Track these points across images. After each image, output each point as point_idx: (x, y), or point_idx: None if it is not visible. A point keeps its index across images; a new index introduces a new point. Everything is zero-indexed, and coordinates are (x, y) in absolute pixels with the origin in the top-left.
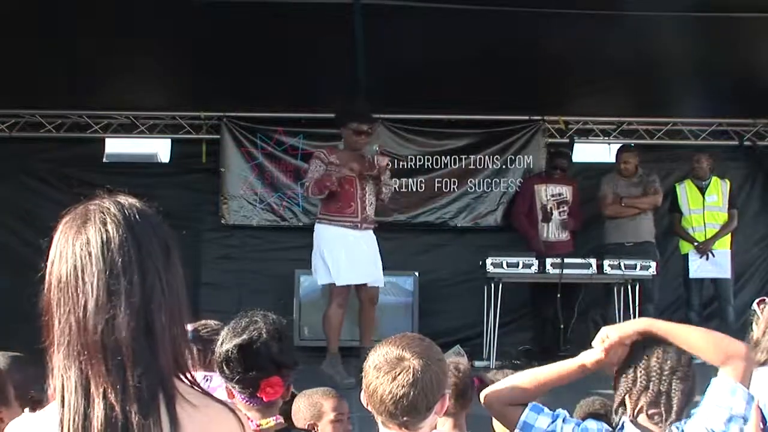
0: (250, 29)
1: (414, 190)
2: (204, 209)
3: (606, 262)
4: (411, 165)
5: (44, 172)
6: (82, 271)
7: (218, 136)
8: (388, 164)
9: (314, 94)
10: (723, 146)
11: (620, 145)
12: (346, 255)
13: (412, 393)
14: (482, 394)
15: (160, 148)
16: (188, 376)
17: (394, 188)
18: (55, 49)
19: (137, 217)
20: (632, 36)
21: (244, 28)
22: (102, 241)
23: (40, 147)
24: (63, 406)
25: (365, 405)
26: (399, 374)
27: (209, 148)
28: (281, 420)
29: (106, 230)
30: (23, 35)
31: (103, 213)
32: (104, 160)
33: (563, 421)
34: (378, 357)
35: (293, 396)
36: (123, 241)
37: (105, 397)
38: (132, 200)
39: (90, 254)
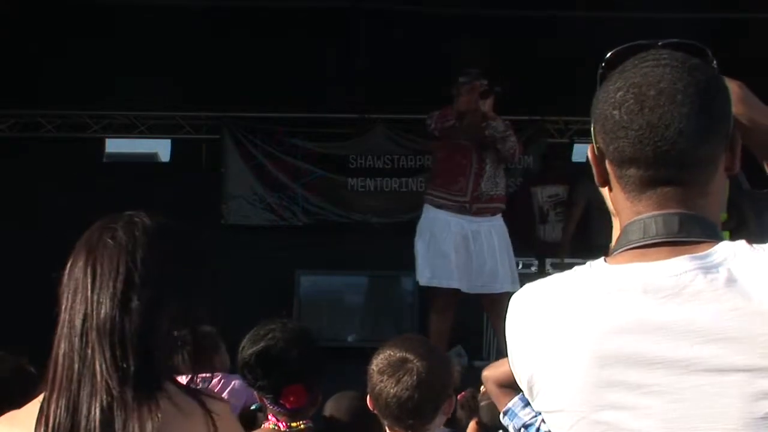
0: (251, 30)
1: (414, 190)
2: (203, 209)
3: None
4: (411, 165)
5: (44, 172)
6: (103, 259)
7: (218, 136)
8: (489, 96)
9: (314, 94)
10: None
11: None
12: (439, 247)
13: (416, 395)
14: (483, 372)
15: (160, 148)
16: (180, 378)
17: (396, 188)
18: (55, 49)
19: (167, 226)
20: (633, 36)
21: (244, 29)
22: (127, 238)
23: (40, 147)
24: (55, 389)
25: (372, 409)
26: (403, 377)
27: (209, 148)
28: (311, 424)
29: (134, 231)
30: (23, 35)
31: (137, 217)
32: (104, 160)
33: (543, 421)
34: (381, 360)
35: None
36: (146, 243)
37: (105, 385)
38: (165, 220)
39: (115, 244)
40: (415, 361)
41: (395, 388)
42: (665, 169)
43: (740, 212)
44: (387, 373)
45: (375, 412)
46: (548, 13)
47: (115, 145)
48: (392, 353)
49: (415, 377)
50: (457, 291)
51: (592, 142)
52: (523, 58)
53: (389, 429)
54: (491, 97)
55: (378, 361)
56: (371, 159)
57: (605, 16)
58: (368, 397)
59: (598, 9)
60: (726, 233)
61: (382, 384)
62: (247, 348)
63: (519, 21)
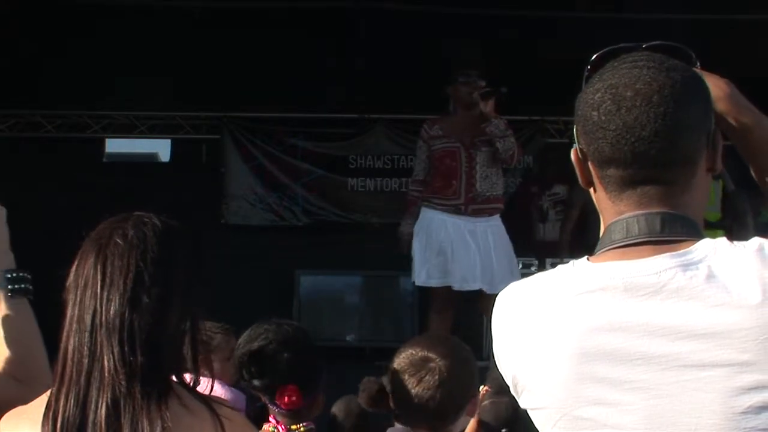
0: (250, 30)
1: None
2: (203, 209)
3: None
4: (411, 165)
5: (44, 172)
6: (113, 258)
7: (218, 136)
8: (492, 97)
9: (314, 94)
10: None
11: None
12: (435, 247)
13: (438, 395)
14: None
15: (160, 148)
16: (186, 377)
17: (396, 188)
18: (55, 49)
19: (175, 227)
20: (633, 37)
21: (244, 29)
22: (138, 237)
23: (40, 147)
24: (64, 384)
25: (393, 408)
26: (425, 376)
27: (209, 148)
28: (312, 426)
29: (144, 230)
30: (23, 35)
31: (146, 217)
32: (104, 160)
33: None
34: (403, 359)
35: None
36: (156, 242)
37: (113, 381)
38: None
39: (125, 243)
40: (437, 360)
41: (417, 388)
42: (643, 168)
43: (736, 212)
44: (408, 372)
45: (397, 412)
46: (548, 13)
47: (115, 145)
48: (414, 352)
49: (437, 377)
50: (456, 291)
51: (575, 145)
52: (523, 58)
53: (412, 430)
54: (494, 98)
55: (400, 360)
56: (371, 159)
57: (605, 17)
58: (390, 396)
59: (598, 9)
60: (720, 232)
61: (404, 384)
62: (242, 347)
63: (519, 21)
